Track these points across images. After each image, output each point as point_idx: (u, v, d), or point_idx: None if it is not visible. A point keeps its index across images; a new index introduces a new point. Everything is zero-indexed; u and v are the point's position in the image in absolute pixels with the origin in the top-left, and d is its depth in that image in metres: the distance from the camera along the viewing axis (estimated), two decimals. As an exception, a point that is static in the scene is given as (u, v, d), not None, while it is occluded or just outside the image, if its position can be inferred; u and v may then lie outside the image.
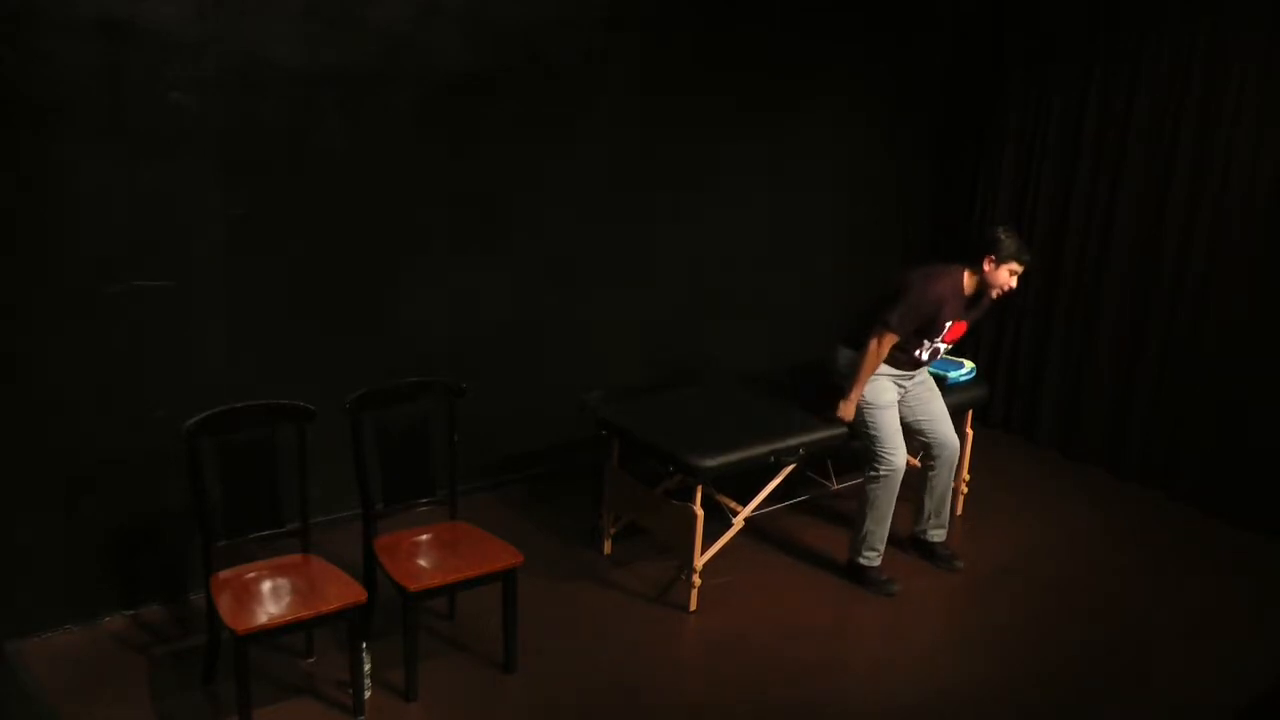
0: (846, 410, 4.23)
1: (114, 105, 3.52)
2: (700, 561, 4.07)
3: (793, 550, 4.64)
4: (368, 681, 3.44)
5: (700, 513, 3.99)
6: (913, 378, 4.34)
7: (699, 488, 4.00)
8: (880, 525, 4.28)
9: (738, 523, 4.25)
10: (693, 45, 5.00)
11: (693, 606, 4.12)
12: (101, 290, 3.62)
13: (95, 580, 3.80)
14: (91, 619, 3.80)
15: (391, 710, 3.45)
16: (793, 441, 4.18)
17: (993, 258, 4.03)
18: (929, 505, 4.51)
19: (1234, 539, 4.97)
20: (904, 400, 4.35)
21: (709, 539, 4.10)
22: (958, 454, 4.46)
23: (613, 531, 4.51)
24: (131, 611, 3.89)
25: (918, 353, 4.21)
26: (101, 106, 3.49)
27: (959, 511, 4.98)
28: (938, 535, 4.56)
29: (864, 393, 4.22)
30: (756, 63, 5.25)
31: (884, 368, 4.23)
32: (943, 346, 4.24)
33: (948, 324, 4.13)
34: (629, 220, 5.05)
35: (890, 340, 4.13)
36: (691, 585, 4.10)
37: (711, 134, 5.21)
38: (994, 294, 4.13)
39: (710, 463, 3.92)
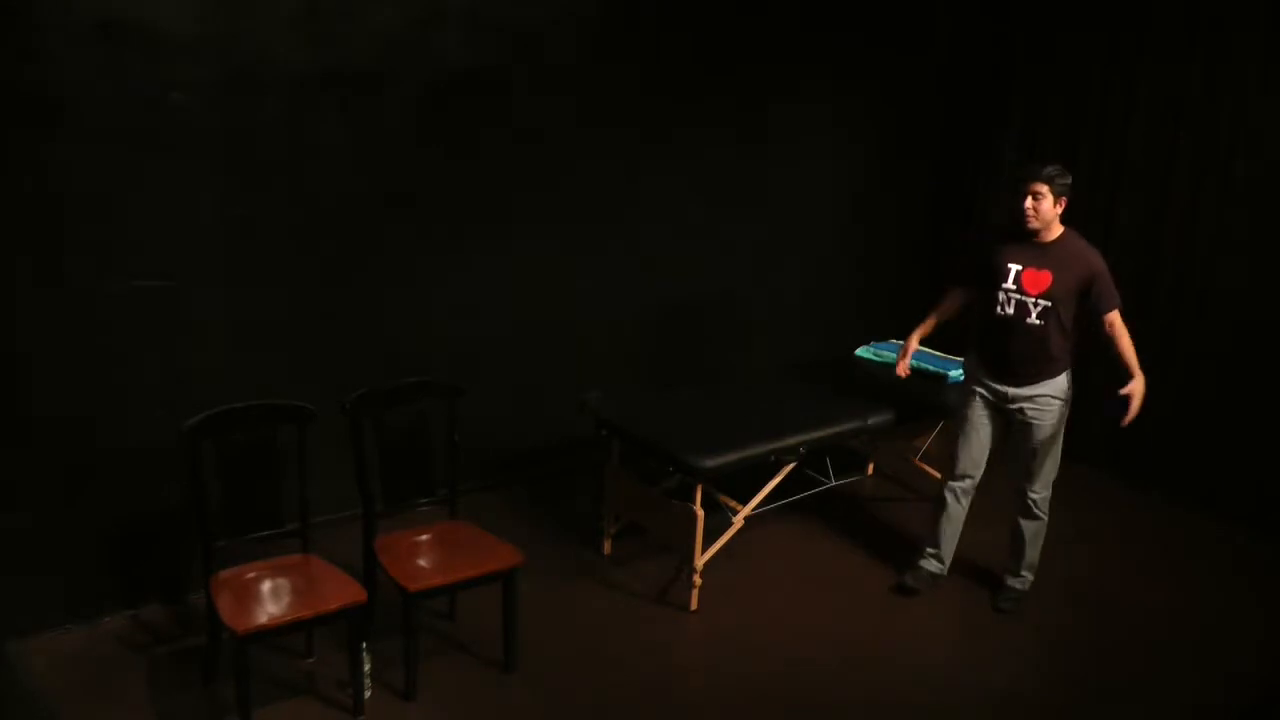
0: (901, 367, 4.29)
1: (114, 105, 3.52)
2: (700, 561, 4.07)
3: (793, 549, 4.64)
4: (368, 681, 3.44)
5: (700, 512, 3.99)
6: (1005, 391, 4.02)
7: (699, 487, 4.00)
8: (931, 531, 4.33)
9: (738, 522, 4.25)
10: (693, 46, 5.00)
11: (693, 606, 4.12)
12: (101, 290, 3.62)
13: (95, 580, 3.80)
14: (91, 619, 3.80)
15: (391, 710, 3.45)
16: (792, 440, 4.18)
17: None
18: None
19: (1234, 539, 4.97)
20: (1010, 428, 4.11)
21: (709, 538, 4.10)
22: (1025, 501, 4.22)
23: (613, 531, 4.50)
24: (131, 611, 3.88)
25: (998, 309, 3.92)
26: (101, 106, 3.50)
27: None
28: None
29: (960, 397, 4.20)
30: (756, 63, 5.25)
31: (978, 371, 4.10)
32: (1029, 300, 3.87)
33: (1011, 267, 3.88)
34: (629, 220, 5.05)
35: (952, 293, 4.19)
36: (692, 585, 4.10)
37: (711, 134, 5.21)
38: (1026, 223, 3.83)
39: (710, 463, 3.92)
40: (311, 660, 3.66)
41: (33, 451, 3.59)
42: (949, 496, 4.28)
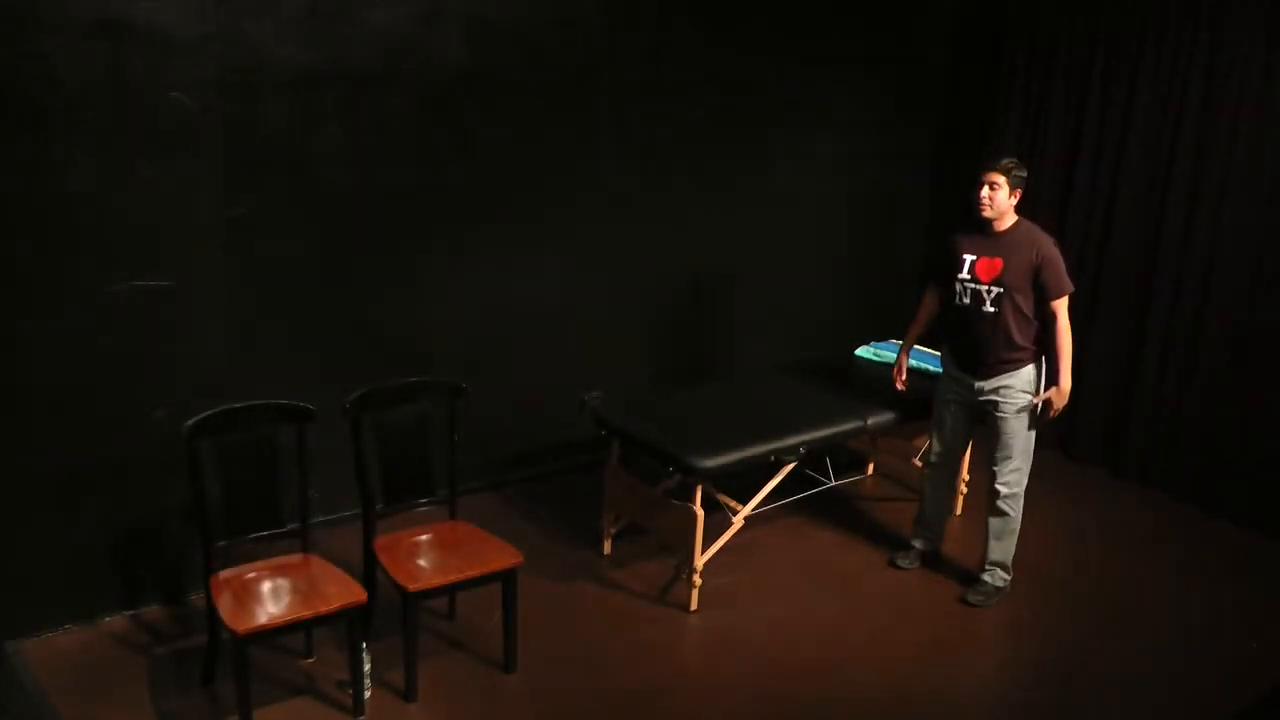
0: (899, 382, 4.51)
1: (114, 105, 3.52)
2: (700, 561, 4.07)
3: (793, 549, 4.64)
4: (368, 681, 3.44)
5: (700, 512, 3.99)
6: (971, 383, 4.11)
7: (699, 487, 4.00)
8: (921, 506, 4.55)
9: (738, 522, 4.25)
10: (693, 46, 5.00)
11: (693, 606, 4.12)
12: (101, 290, 3.62)
13: (95, 580, 3.80)
14: (91, 619, 3.80)
15: (391, 710, 3.45)
16: (792, 440, 4.18)
17: None
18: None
19: (1233, 539, 4.97)
20: (985, 419, 4.19)
21: (709, 538, 4.10)
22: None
23: (613, 531, 4.50)
24: (131, 611, 3.89)
25: (956, 299, 4.06)
26: (101, 106, 3.49)
27: (958, 511, 4.98)
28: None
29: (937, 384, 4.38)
30: (757, 63, 5.25)
31: (948, 362, 4.25)
32: (983, 288, 3.98)
33: (965, 258, 4.02)
34: (629, 220, 5.05)
35: (929, 293, 4.38)
36: (692, 585, 4.10)
37: (711, 134, 5.21)
38: (981, 211, 3.95)
39: (710, 463, 3.92)
40: (311, 660, 3.66)
41: (33, 451, 3.59)
42: (924, 478, 4.53)
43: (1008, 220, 3.99)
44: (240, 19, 3.73)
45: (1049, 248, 3.97)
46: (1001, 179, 3.91)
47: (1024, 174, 3.97)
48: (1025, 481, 4.19)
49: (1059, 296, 3.95)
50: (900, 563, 4.51)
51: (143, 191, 3.64)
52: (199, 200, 3.79)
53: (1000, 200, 3.93)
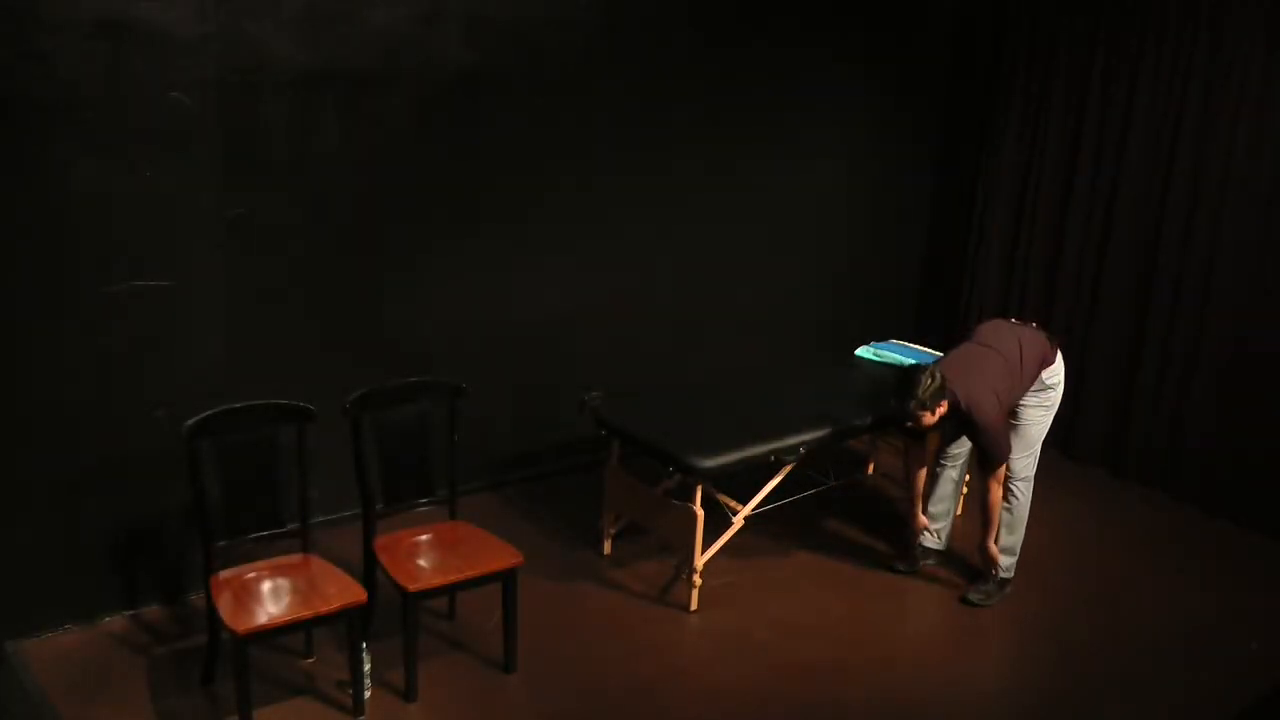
0: (921, 524, 4.48)
1: (114, 105, 3.52)
2: (700, 561, 4.07)
3: (793, 549, 4.64)
4: (368, 681, 3.44)
5: (700, 512, 3.99)
6: None
7: (699, 487, 4.00)
8: (927, 502, 4.48)
9: (738, 522, 4.25)
10: (692, 46, 5.00)
11: (693, 606, 4.12)
12: (101, 290, 3.62)
13: (95, 580, 3.80)
14: (91, 619, 3.80)
15: (391, 710, 3.45)
16: (792, 440, 4.18)
17: None
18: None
19: (1234, 539, 4.97)
20: None
21: (709, 538, 4.10)
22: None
23: (613, 531, 4.50)
24: (131, 611, 3.89)
25: None
26: (101, 106, 3.49)
27: (959, 511, 4.97)
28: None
29: None
30: (756, 63, 5.25)
31: None
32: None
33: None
34: (629, 220, 5.05)
35: (913, 461, 4.39)
36: (692, 585, 4.10)
37: (712, 135, 5.21)
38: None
39: (710, 463, 3.92)
40: (311, 660, 3.66)
41: (33, 451, 3.59)
42: (938, 470, 4.49)
43: (947, 412, 3.99)
44: (240, 19, 3.73)
45: (978, 413, 3.94)
46: (924, 412, 3.90)
47: (940, 388, 3.88)
48: (1034, 469, 4.24)
49: (987, 471, 4.04)
50: (899, 567, 4.50)
51: (142, 191, 3.64)
52: (199, 200, 3.79)
53: (930, 420, 3.95)
